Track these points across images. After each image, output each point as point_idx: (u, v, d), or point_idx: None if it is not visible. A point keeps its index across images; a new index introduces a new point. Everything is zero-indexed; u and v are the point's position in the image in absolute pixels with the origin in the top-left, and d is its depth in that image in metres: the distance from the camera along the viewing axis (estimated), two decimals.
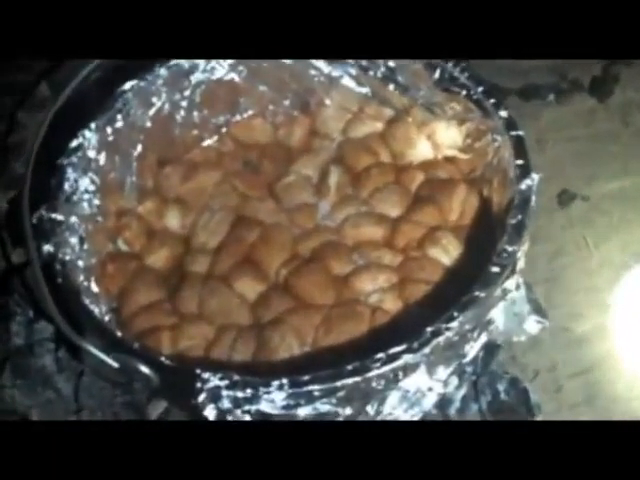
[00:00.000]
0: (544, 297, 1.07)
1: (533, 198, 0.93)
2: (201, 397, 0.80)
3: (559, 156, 1.25)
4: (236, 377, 0.81)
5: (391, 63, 1.12)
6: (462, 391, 0.97)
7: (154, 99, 1.11)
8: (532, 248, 0.95)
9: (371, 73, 1.15)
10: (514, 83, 1.32)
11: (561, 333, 1.07)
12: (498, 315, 0.91)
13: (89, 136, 1.03)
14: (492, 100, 1.02)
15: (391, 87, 1.14)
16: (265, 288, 1.01)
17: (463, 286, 0.88)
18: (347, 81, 1.17)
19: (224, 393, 0.80)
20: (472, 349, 0.89)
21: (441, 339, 0.83)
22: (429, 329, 0.83)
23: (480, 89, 1.03)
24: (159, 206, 1.11)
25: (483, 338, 0.90)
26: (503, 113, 1.01)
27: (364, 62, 1.14)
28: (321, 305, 0.98)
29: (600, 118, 1.31)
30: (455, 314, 0.84)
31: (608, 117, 1.30)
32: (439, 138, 1.12)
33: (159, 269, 1.05)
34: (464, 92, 1.05)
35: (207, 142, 1.18)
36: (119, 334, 0.89)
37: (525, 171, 0.95)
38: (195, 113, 1.16)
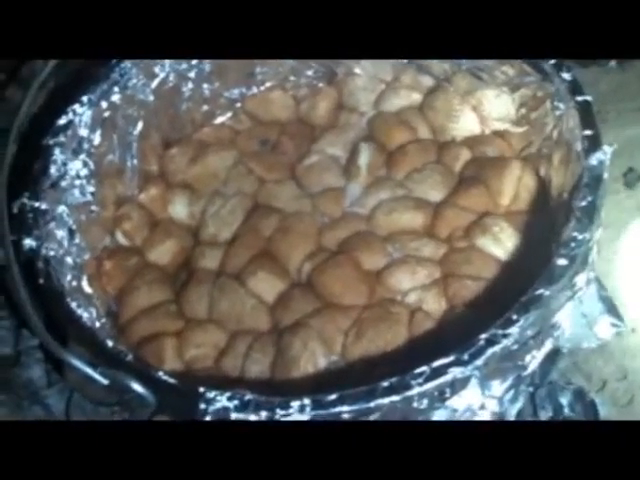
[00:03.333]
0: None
1: (605, 175, 0.84)
2: (207, 419, 0.73)
3: (623, 129, 1.15)
4: (248, 396, 0.73)
5: None
6: (517, 405, 0.86)
7: (157, 69, 1.04)
8: None
9: None
10: None
11: (631, 335, 0.98)
12: (565, 318, 0.81)
13: (81, 112, 0.97)
14: (552, 61, 0.93)
15: None
16: (285, 286, 0.95)
17: (522, 283, 0.79)
18: None
19: (233, 415, 0.72)
20: (534, 359, 0.79)
21: (497, 348, 0.73)
22: (482, 336, 0.74)
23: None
24: (164, 193, 1.05)
25: (547, 346, 0.80)
26: (566, 75, 0.92)
27: None
28: (350, 306, 0.91)
29: None
30: (514, 317, 0.75)
31: None
32: (487, 109, 1.05)
33: (163, 265, 1.00)
34: None
35: (219, 119, 1.13)
36: (110, 344, 0.81)
37: (595, 143, 0.86)
38: (205, 85, 1.10)
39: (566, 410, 0.91)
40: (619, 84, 1.22)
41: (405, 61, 1.09)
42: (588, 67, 1.21)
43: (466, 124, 1.05)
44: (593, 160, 0.85)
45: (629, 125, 1.16)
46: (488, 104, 1.04)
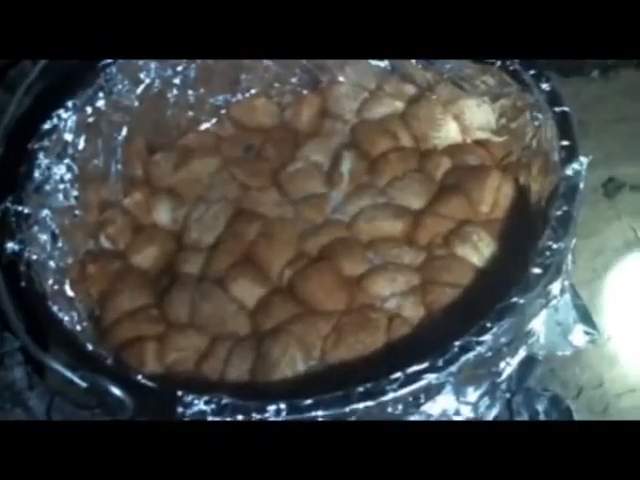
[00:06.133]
0: (586, 300, 0.96)
1: (581, 185, 0.85)
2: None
3: (605, 140, 1.15)
4: (225, 400, 0.74)
5: None
6: (493, 412, 0.87)
7: (142, 75, 1.04)
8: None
9: None
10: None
11: (607, 343, 0.99)
12: (539, 325, 0.82)
13: (65, 116, 0.97)
14: (532, 71, 0.95)
15: (413, 60, 1.07)
16: (266, 292, 0.94)
17: (498, 291, 0.80)
18: None
19: (210, 419, 0.73)
20: (508, 366, 0.80)
21: (471, 355, 0.74)
22: (457, 343, 0.75)
23: (517, 59, 0.96)
24: (148, 198, 1.05)
25: (521, 353, 0.81)
26: (545, 86, 0.93)
27: None
28: (330, 312, 0.91)
29: None
30: (488, 325, 0.76)
31: None
32: (468, 118, 1.05)
33: (146, 270, 0.99)
34: (498, 63, 0.98)
35: (204, 125, 1.13)
36: (90, 347, 0.82)
37: (571, 154, 0.87)
38: (190, 92, 1.10)
39: (542, 416, 0.90)
40: (601, 95, 1.22)
41: (388, 69, 1.09)
42: (570, 77, 1.22)
43: (448, 133, 1.05)
44: (570, 170, 0.86)
45: (610, 135, 1.17)
46: (470, 113, 1.04)
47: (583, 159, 0.86)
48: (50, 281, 0.88)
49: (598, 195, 1.11)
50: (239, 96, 1.12)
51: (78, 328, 0.87)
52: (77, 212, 0.98)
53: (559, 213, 0.83)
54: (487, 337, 0.75)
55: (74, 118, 0.97)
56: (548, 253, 0.80)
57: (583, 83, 1.23)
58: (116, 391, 0.74)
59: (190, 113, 1.10)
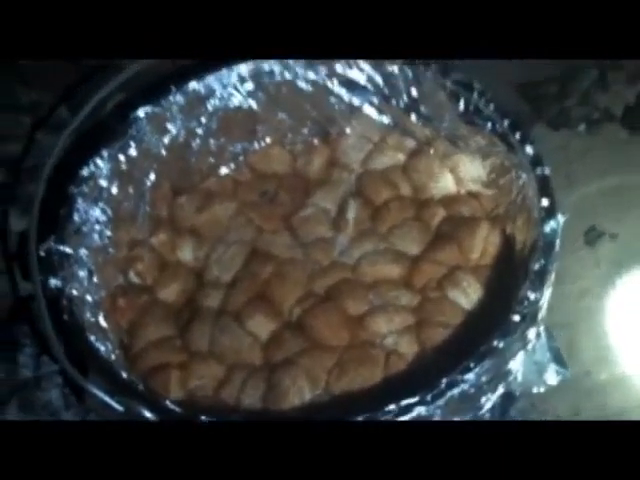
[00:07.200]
0: (567, 340, 1.04)
1: (557, 242, 0.90)
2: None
3: (588, 191, 1.21)
4: None
5: (414, 92, 1.10)
6: None
7: (169, 126, 1.09)
8: (556, 288, 0.92)
9: (393, 102, 1.11)
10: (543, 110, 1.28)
11: (584, 378, 1.04)
12: (517, 365, 0.88)
13: (101, 164, 1.03)
14: (518, 134, 0.99)
15: (413, 117, 1.11)
16: (278, 327, 1.00)
17: (482, 333, 0.86)
18: (368, 110, 1.14)
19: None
20: (488, 401, 0.86)
21: (456, 391, 0.81)
22: (444, 380, 0.81)
23: (506, 122, 1.00)
24: (172, 237, 1.10)
25: (500, 390, 0.88)
26: (529, 149, 0.97)
27: (386, 91, 1.12)
28: (334, 347, 0.96)
29: (632, 150, 1.25)
30: (472, 365, 0.82)
31: None
32: (462, 172, 1.09)
33: (171, 303, 1.04)
34: (489, 125, 1.02)
35: (224, 170, 1.17)
36: (124, 375, 0.90)
37: (550, 212, 0.92)
38: (211, 141, 1.14)
39: None
40: (587, 147, 1.25)
41: (391, 125, 1.14)
42: (559, 130, 1.27)
43: (444, 184, 1.09)
44: (547, 228, 0.90)
45: (594, 186, 1.21)
46: (464, 167, 1.08)
47: (560, 218, 0.91)
48: (88, 314, 0.94)
49: (579, 243, 1.15)
50: (256, 145, 1.17)
51: (112, 357, 0.93)
52: (110, 250, 1.03)
53: (537, 267, 0.87)
54: (470, 376, 0.81)
55: (109, 166, 1.02)
56: (526, 303, 0.85)
57: (570, 136, 1.27)
58: (148, 414, 0.82)
59: (211, 160, 1.15)
